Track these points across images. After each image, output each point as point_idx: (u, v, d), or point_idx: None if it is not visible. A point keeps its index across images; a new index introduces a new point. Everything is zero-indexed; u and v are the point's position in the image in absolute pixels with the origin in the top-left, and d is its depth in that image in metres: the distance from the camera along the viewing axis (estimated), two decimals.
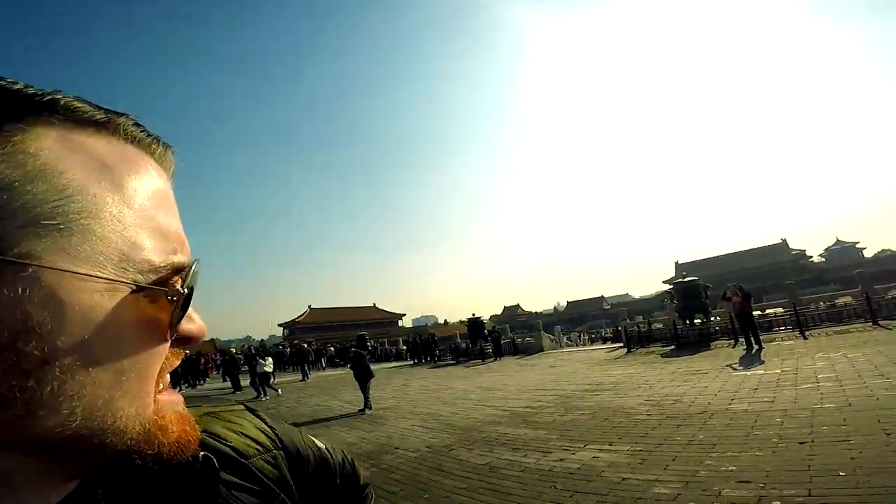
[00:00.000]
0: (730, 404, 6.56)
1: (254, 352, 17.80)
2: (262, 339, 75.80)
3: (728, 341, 13.62)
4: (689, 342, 14.64)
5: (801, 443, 4.68)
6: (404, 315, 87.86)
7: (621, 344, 18.99)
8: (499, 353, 21.58)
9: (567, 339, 28.59)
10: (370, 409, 10.81)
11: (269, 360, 16.12)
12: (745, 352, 11.41)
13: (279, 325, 79.82)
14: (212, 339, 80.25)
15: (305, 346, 24.32)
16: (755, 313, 12.73)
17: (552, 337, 24.40)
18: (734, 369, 9.38)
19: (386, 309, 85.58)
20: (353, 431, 8.71)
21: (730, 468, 4.35)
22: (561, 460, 5.39)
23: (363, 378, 10.94)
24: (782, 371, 8.24)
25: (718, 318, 16.66)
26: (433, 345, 25.05)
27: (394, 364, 27.35)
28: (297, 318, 75.64)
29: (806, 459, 4.27)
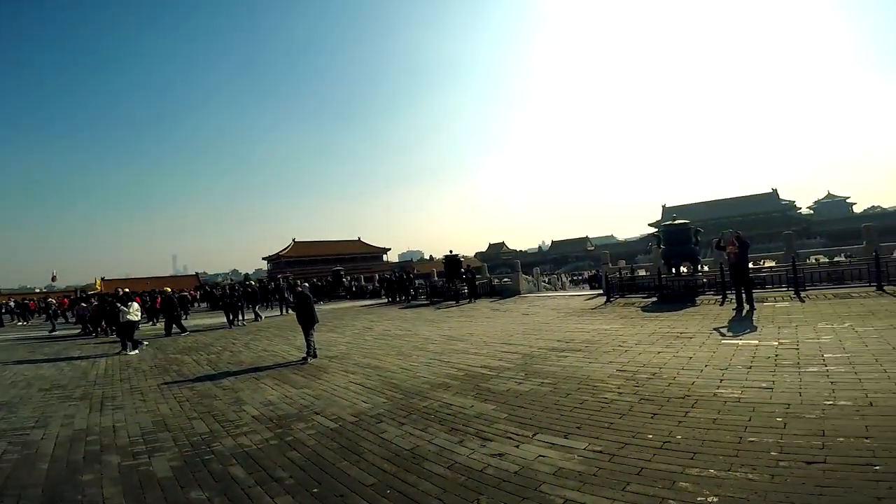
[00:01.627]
0: (718, 388, 5.38)
1: (117, 297, 14.25)
2: (247, 273, 75.07)
3: (716, 297, 12.44)
4: (673, 294, 13.52)
5: (808, 462, 3.50)
6: (389, 249, 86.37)
7: (601, 291, 17.95)
8: (474, 295, 20.54)
9: (546, 282, 27.67)
10: (314, 357, 9.70)
11: (135, 305, 13.13)
12: (734, 312, 10.21)
13: (263, 259, 78.67)
14: (196, 273, 78.84)
15: (252, 285, 22.55)
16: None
17: (529, 278, 23.36)
18: (723, 335, 8.19)
19: (371, 243, 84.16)
20: (280, 387, 7.60)
21: (709, 499, 3.17)
22: (499, 455, 4.23)
23: (306, 323, 9.71)
24: (780, 343, 7.06)
25: (706, 269, 15.48)
26: (407, 283, 23.86)
27: (368, 302, 26.40)
28: (281, 251, 74.15)
29: (815, 493, 3.09)
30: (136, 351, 12.40)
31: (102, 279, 58.66)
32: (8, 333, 20.70)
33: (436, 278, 26.13)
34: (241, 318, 17.98)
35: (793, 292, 11.46)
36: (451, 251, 23.64)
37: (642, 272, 17.42)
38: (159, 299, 18.73)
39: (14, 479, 4.43)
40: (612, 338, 8.98)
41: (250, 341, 13.33)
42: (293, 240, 75.52)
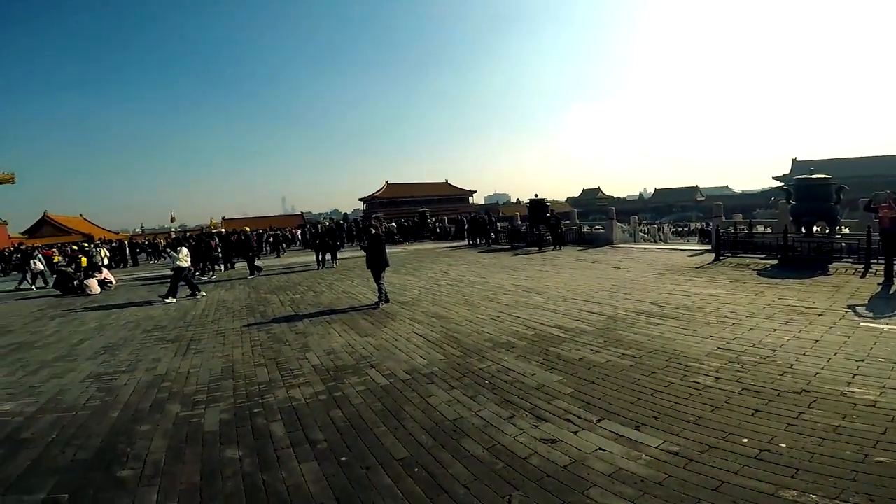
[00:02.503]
0: (848, 384, 4.21)
1: (171, 241, 14.55)
2: (346, 213, 79.42)
3: (856, 266, 10.20)
4: (800, 258, 11.38)
5: None
6: (475, 192, 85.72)
7: (709, 247, 15.87)
8: (559, 242, 19.35)
9: (644, 232, 25.35)
10: (386, 301, 9.64)
11: (184, 251, 12.69)
12: (880, 288, 8.20)
13: (360, 199, 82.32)
14: (301, 213, 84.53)
15: (333, 231, 21.64)
16: None
17: (625, 227, 21.47)
18: (862, 316, 6.55)
19: (457, 185, 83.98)
20: (347, 333, 7.61)
21: None
22: (552, 442, 3.66)
23: (375, 267, 9.57)
24: None
25: (846, 231, 12.85)
26: (488, 226, 23.11)
27: (450, 244, 26.23)
28: (375, 192, 76.70)
29: None
30: (172, 299, 12.16)
31: (223, 218, 64.83)
32: (138, 272, 23.16)
33: (518, 222, 25.21)
34: (330, 259, 18.31)
35: None
36: (535, 195, 22.42)
37: (762, 229, 14.98)
38: (213, 242, 18.53)
39: (85, 428, 4.63)
40: (718, 306, 7.66)
41: (334, 282, 13.71)
42: (386, 182, 77.45)
